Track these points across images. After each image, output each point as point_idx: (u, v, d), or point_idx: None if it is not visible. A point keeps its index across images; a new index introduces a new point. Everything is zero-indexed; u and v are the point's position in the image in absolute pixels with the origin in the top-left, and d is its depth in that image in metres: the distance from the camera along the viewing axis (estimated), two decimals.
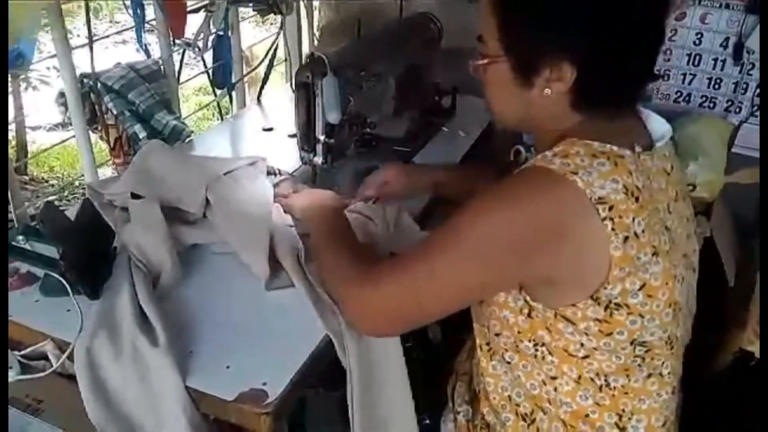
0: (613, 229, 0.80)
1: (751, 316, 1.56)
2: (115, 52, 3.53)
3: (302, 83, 1.23)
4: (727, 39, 1.75)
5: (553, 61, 0.85)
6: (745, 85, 1.77)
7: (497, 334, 0.96)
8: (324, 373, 1.01)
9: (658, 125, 0.94)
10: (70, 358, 0.97)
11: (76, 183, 3.19)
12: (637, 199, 0.81)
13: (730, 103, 1.82)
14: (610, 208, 0.80)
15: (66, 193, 3.16)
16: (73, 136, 1.50)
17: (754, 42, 1.70)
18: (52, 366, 1.00)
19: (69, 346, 0.98)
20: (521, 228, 0.82)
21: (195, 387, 0.93)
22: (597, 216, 0.79)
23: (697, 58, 1.80)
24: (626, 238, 0.80)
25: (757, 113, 1.79)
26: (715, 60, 1.79)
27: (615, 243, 0.80)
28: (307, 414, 1.05)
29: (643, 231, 0.82)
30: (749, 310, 1.55)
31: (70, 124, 1.50)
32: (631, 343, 0.86)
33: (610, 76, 0.87)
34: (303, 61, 2.06)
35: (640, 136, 0.91)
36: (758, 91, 1.76)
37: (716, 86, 1.82)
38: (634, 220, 0.81)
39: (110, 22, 5.17)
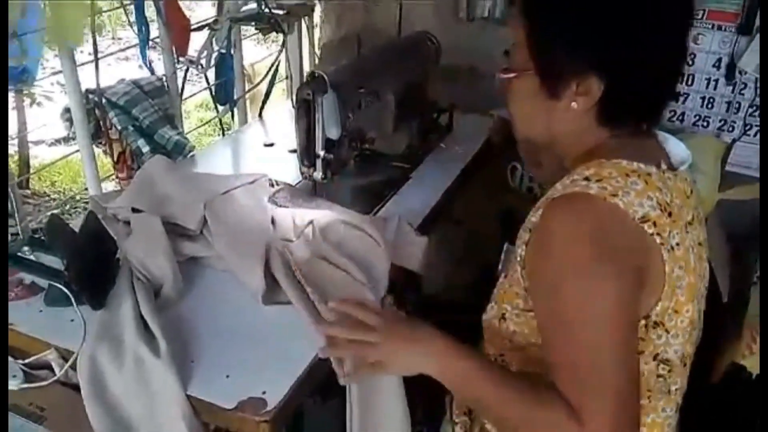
0: (662, 244, 0.81)
1: (745, 331, 1.57)
2: (118, 68, 3.57)
3: (303, 100, 1.25)
4: (719, 59, 1.78)
5: (580, 75, 0.86)
6: (737, 105, 1.81)
7: (522, 348, 0.95)
8: (321, 382, 1.02)
9: (677, 149, 0.95)
10: (73, 367, 0.99)
11: (77, 197, 3.22)
12: (669, 214, 0.83)
13: (723, 122, 1.85)
14: (654, 224, 0.81)
15: (68, 207, 3.18)
16: (77, 151, 1.52)
17: (746, 62, 1.73)
18: (55, 375, 1.01)
19: (72, 355, 1.00)
20: (604, 259, 0.79)
21: (195, 395, 0.95)
22: (645, 232, 0.80)
23: (691, 78, 1.84)
24: (670, 250, 0.81)
25: (750, 132, 1.82)
26: (708, 80, 1.82)
27: (665, 255, 0.81)
28: (304, 422, 1.06)
29: (677, 244, 0.83)
30: (743, 325, 1.57)
31: (73, 139, 1.53)
32: (654, 359, 0.86)
33: (636, 92, 0.88)
34: (304, 79, 2.11)
35: (661, 156, 0.91)
36: (750, 111, 1.80)
37: (709, 105, 1.85)
38: (670, 233, 0.82)
39: (113, 38, 5.23)
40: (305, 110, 1.27)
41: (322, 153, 1.30)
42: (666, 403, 0.92)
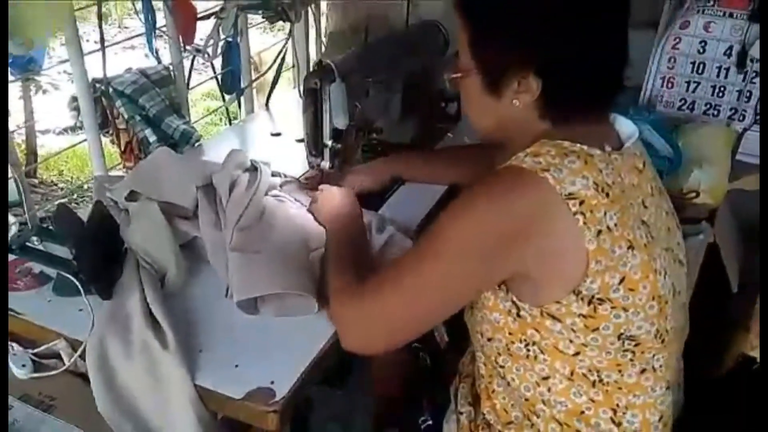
0: (585, 223, 0.83)
1: (754, 321, 1.57)
2: (124, 57, 3.56)
3: (310, 89, 1.25)
4: (730, 47, 1.76)
5: (519, 74, 0.90)
6: (748, 93, 1.78)
7: (489, 339, 0.98)
8: (329, 371, 1.02)
9: (625, 126, 0.98)
10: (82, 356, 0.99)
11: (85, 187, 3.22)
12: (607, 195, 0.85)
13: (733, 110, 1.83)
14: (581, 203, 0.83)
15: (75, 197, 3.19)
16: (84, 140, 1.52)
17: (757, 50, 1.71)
18: (64, 364, 1.02)
19: (81, 344, 1.00)
20: (497, 225, 0.86)
21: (204, 385, 0.95)
22: (569, 211, 0.83)
23: (701, 66, 1.82)
24: (599, 232, 0.83)
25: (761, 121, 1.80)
26: (719, 68, 1.80)
27: (588, 237, 0.83)
28: (312, 410, 1.07)
29: (615, 225, 0.84)
30: (752, 315, 1.56)
31: (81, 128, 1.53)
32: (619, 338, 0.88)
33: (575, 88, 0.91)
34: (310, 68, 2.10)
35: (610, 137, 0.95)
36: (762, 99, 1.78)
37: (720, 94, 1.83)
38: (605, 214, 0.84)
39: (119, 27, 5.23)
40: (312, 99, 1.26)
41: (329, 142, 1.29)
42: (655, 382, 0.93)
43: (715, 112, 1.86)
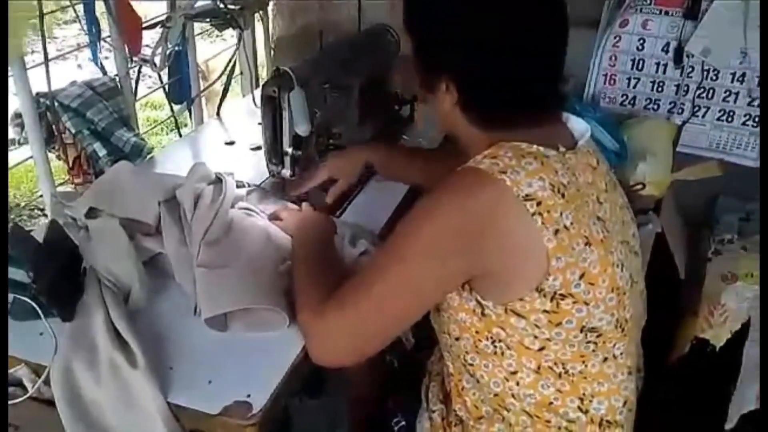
0: (543, 223, 0.85)
1: (702, 305, 1.64)
2: (54, 68, 3.43)
3: (269, 97, 1.24)
4: (667, 44, 1.84)
5: (442, 79, 0.95)
6: (686, 87, 1.87)
7: (457, 338, 1.00)
8: (306, 381, 1.02)
9: (577, 125, 1.01)
10: (47, 382, 0.96)
11: (21, 204, 3.10)
12: (563, 195, 0.87)
13: (672, 104, 1.91)
14: (538, 204, 0.85)
15: (12, 216, 3.05)
16: (30, 157, 1.46)
17: (692, 46, 1.80)
18: (27, 391, 0.98)
19: (44, 369, 0.96)
20: (457, 225, 0.87)
21: (177, 403, 0.93)
22: (526, 212, 0.85)
23: (641, 62, 1.89)
24: (557, 231, 0.86)
25: (699, 113, 1.89)
26: (657, 64, 1.88)
27: (547, 236, 0.85)
28: (292, 422, 1.06)
29: (572, 223, 0.87)
30: (701, 300, 1.64)
31: (21, 144, 1.47)
32: (581, 331, 0.91)
33: (488, 99, 0.95)
34: (259, 74, 2.08)
35: (564, 137, 0.98)
36: (698, 92, 1.87)
37: (659, 89, 1.91)
38: (561, 214, 0.86)
39: (49, 38, 5.03)
40: (271, 107, 1.25)
41: (290, 150, 1.28)
42: (617, 369, 0.97)
43: (655, 107, 1.94)
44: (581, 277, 0.88)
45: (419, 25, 0.99)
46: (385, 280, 0.91)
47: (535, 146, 0.90)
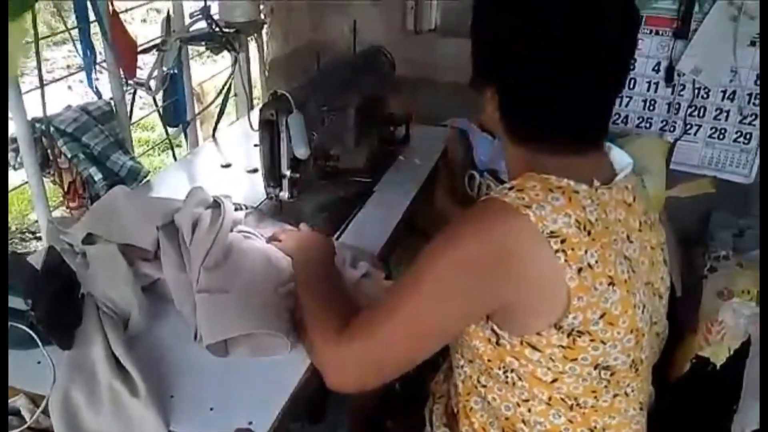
0: (566, 261, 0.83)
1: (701, 323, 1.64)
2: (45, 90, 3.42)
3: (267, 120, 1.24)
4: (658, 63, 1.87)
5: (490, 84, 0.95)
6: (677, 105, 1.89)
7: (470, 361, 0.99)
8: (308, 406, 1.01)
9: (619, 157, 0.99)
10: (45, 411, 0.94)
11: (14, 228, 3.07)
12: (589, 233, 0.85)
13: (664, 122, 1.93)
14: (563, 241, 0.83)
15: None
16: (26, 183, 1.45)
17: (683, 65, 1.82)
18: (26, 422, 0.96)
19: (43, 399, 0.95)
20: (478, 259, 0.86)
21: (179, 431, 0.92)
22: (549, 249, 0.83)
23: (632, 81, 1.92)
24: (580, 270, 0.84)
25: (690, 131, 1.91)
26: (649, 83, 1.91)
27: (570, 274, 0.83)
28: None
29: (596, 262, 0.85)
30: (698, 318, 1.64)
31: (16, 169, 1.45)
32: (596, 368, 0.90)
33: (528, 116, 0.94)
34: (253, 97, 2.08)
35: (602, 169, 0.95)
36: (689, 111, 1.89)
37: (651, 107, 1.94)
38: (586, 252, 0.84)
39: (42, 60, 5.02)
40: (269, 130, 1.25)
41: (288, 173, 1.28)
42: (628, 405, 0.96)
43: (648, 125, 1.96)
44: (602, 317, 0.86)
45: (479, 29, 0.97)
46: (407, 311, 0.90)
47: (565, 180, 0.88)
